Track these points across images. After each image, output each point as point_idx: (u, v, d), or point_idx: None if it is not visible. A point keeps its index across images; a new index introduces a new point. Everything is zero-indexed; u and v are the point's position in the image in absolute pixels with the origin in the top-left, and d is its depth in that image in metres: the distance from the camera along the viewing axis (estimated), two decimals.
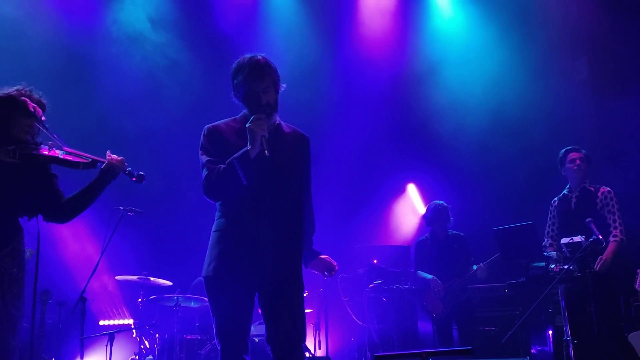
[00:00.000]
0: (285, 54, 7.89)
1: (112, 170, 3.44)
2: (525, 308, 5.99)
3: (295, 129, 3.40)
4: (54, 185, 3.39)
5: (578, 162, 5.46)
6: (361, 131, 8.24)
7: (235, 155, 3.07)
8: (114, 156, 3.48)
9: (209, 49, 8.13)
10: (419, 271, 6.50)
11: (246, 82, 3.15)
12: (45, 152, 3.29)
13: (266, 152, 3.05)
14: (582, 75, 7.99)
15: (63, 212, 3.40)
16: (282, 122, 3.31)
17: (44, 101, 3.42)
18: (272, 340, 3.12)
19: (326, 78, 8.38)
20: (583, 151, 5.53)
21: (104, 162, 3.46)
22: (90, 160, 3.42)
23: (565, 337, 5.08)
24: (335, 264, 3.45)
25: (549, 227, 5.64)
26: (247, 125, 3.09)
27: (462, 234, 6.52)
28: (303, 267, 3.31)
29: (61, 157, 3.33)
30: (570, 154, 5.53)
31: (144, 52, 7.90)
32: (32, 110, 3.24)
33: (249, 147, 3.07)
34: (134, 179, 3.57)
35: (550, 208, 5.67)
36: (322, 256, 3.44)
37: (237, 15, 8.33)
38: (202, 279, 3.19)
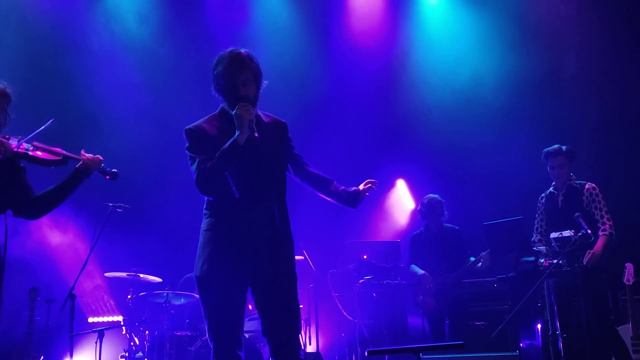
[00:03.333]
0: (274, 48, 7.87)
1: (87, 170, 3.38)
2: (514, 302, 6.02)
3: (273, 117, 3.40)
4: (22, 180, 3.29)
5: (556, 169, 5.45)
6: (350, 126, 8.24)
7: (224, 146, 3.06)
8: (89, 155, 3.42)
9: (195, 43, 8.09)
10: (412, 265, 6.54)
11: (225, 73, 3.15)
12: (14, 147, 3.17)
13: (256, 134, 3.06)
14: (570, 71, 8.03)
15: (33, 208, 3.32)
16: (260, 113, 3.31)
17: (9, 91, 3.30)
18: (269, 332, 3.13)
19: (314, 73, 8.35)
20: (563, 148, 5.45)
21: (76, 159, 3.39)
22: (62, 157, 3.34)
23: (554, 331, 5.12)
24: (370, 180, 3.51)
25: (537, 223, 5.65)
26: (234, 112, 3.08)
27: (457, 227, 6.55)
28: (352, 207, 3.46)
29: (30, 153, 3.23)
30: (548, 161, 5.49)
31: (130, 44, 7.85)
32: None
33: (237, 133, 3.06)
34: (108, 177, 3.53)
35: (538, 204, 5.67)
36: (360, 188, 3.48)
37: (224, 8, 8.29)
38: (194, 277, 3.18)
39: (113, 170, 3.55)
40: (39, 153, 3.26)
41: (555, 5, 8.04)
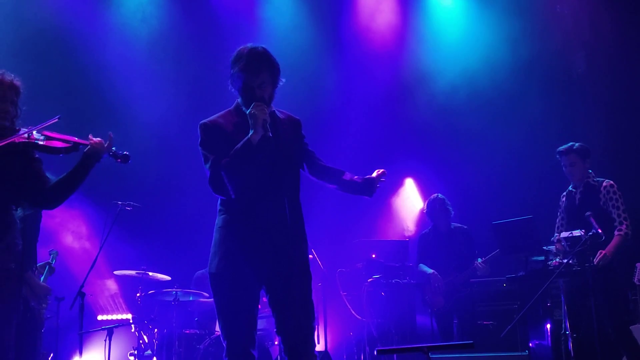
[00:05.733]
0: (284, 47, 7.86)
1: (95, 154, 3.33)
2: (523, 302, 5.99)
3: (287, 113, 3.40)
4: (38, 171, 3.26)
5: (568, 167, 5.41)
6: (359, 126, 8.22)
7: (237, 145, 3.05)
8: (97, 139, 3.37)
9: (205, 41, 8.09)
10: (420, 264, 6.53)
11: (242, 74, 3.14)
12: (24, 139, 3.15)
13: (269, 134, 3.06)
14: (580, 69, 7.99)
15: (49, 198, 3.28)
16: (275, 109, 3.30)
17: (17, 83, 3.29)
18: (283, 330, 3.11)
19: (323, 72, 8.35)
20: (575, 146, 5.38)
21: (86, 145, 3.34)
22: (72, 144, 3.31)
23: (564, 331, 5.09)
24: (380, 170, 3.46)
25: (558, 222, 5.60)
26: (249, 111, 3.07)
27: (465, 227, 6.54)
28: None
29: (41, 143, 3.21)
30: (561, 159, 5.45)
31: (142, 43, 7.87)
32: None
33: (251, 132, 3.05)
34: (119, 159, 3.48)
35: (560, 202, 5.62)
36: (373, 176, 3.44)
37: (236, 5, 8.31)
38: (207, 274, 3.18)
39: (124, 153, 3.49)
40: (49, 142, 3.24)
41: (552, 4, 8.02)
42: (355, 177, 3.43)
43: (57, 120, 3.24)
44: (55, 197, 3.29)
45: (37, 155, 3.28)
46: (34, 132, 3.20)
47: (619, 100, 7.53)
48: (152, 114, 7.65)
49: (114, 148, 3.45)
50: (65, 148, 3.29)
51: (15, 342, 3.10)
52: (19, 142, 3.14)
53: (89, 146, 3.33)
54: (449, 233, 6.49)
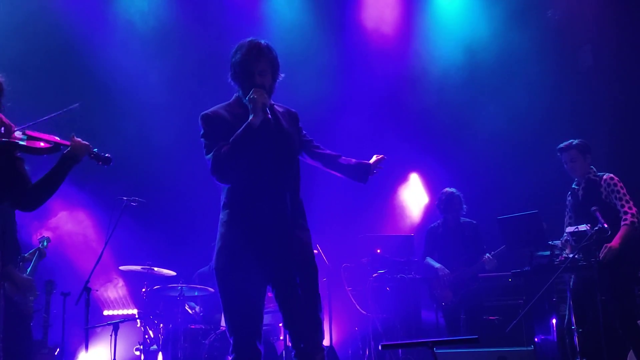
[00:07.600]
0: (288, 43, 7.85)
1: (74, 156, 3.27)
2: (529, 297, 5.98)
3: (285, 107, 3.41)
4: (19, 170, 3.15)
5: (569, 163, 5.38)
6: (363, 121, 8.21)
7: (238, 131, 3.06)
8: (78, 140, 3.31)
9: (209, 38, 8.09)
10: (427, 258, 6.52)
11: (243, 61, 3.15)
12: (5, 138, 3.05)
13: (269, 116, 3.09)
14: (587, 63, 7.94)
15: (29, 200, 3.21)
16: (274, 103, 3.31)
17: (1, 80, 3.19)
18: (291, 325, 3.11)
19: (328, 65, 8.33)
20: (574, 142, 5.35)
21: (66, 145, 3.28)
22: (54, 144, 3.25)
23: (570, 326, 5.07)
24: (379, 157, 3.47)
25: (566, 220, 5.58)
26: (248, 96, 3.10)
27: (474, 221, 6.53)
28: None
29: (22, 143, 3.13)
30: (562, 157, 5.42)
31: (147, 38, 7.87)
32: None
33: (251, 116, 3.07)
34: (100, 162, 3.43)
35: (566, 202, 5.59)
36: (370, 162, 3.45)
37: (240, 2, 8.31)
38: (204, 272, 3.18)
39: (106, 155, 3.45)
40: (32, 142, 3.17)
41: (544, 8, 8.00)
42: (352, 160, 3.43)
43: (76, 106, 3.26)
44: (34, 199, 3.22)
45: (19, 155, 3.17)
46: (16, 132, 3.12)
47: (627, 94, 7.49)
48: (157, 109, 7.65)
49: (95, 150, 3.40)
50: (47, 149, 3.23)
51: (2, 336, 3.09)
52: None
53: (68, 147, 3.28)
54: (457, 227, 6.49)
